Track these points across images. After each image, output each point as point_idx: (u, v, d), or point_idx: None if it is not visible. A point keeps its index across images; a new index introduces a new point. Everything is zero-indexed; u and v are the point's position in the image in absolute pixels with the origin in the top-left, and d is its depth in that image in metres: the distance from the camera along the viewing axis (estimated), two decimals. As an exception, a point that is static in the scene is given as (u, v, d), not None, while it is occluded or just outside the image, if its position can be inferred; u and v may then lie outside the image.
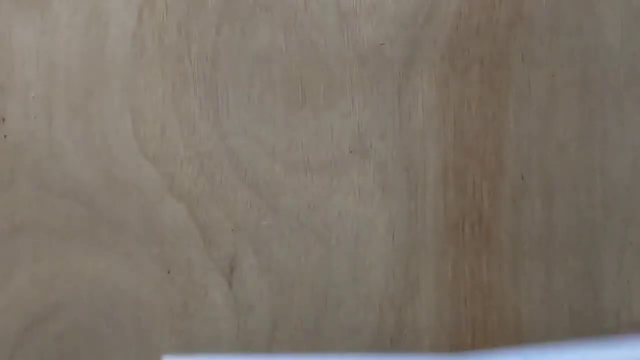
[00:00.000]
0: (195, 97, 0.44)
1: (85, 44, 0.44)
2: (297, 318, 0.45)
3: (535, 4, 0.43)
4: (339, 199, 0.44)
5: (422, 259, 0.44)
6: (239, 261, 0.44)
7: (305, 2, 0.44)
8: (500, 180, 0.43)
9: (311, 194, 0.44)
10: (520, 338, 0.44)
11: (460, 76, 0.43)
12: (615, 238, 0.43)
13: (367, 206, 0.44)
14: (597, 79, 0.43)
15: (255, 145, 0.44)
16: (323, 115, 0.44)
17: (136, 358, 0.43)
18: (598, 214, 0.43)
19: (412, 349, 0.44)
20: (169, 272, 0.43)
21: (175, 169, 0.44)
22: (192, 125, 0.43)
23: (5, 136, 0.45)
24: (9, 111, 0.44)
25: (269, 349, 0.45)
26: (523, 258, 0.44)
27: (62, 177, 0.45)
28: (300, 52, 0.43)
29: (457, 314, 0.44)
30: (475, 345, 0.44)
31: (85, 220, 0.44)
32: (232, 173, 0.44)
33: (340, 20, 0.43)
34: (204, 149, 0.44)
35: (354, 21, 0.43)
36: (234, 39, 0.43)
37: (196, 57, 0.43)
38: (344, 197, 0.44)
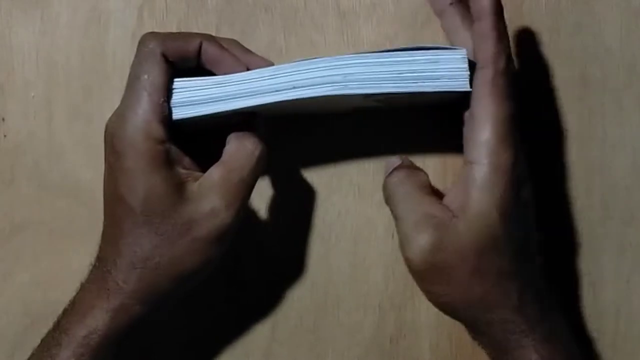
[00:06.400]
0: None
1: (85, 44, 0.44)
2: (297, 318, 0.45)
3: (535, 4, 0.43)
4: (339, 199, 0.44)
5: (422, 258, 0.44)
6: (240, 261, 0.44)
7: (305, 2, 0.44)
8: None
9: (311, 194, 0.44)
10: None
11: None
12: (615, 238, 0.43)
13: (367, 206, 0.44)
14: (597, 79, 0.43)
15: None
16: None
17: (135, 355, 0.43)
18: (598, 214, 0.43)
19: (412, 349, 0.44)
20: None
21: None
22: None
23: (5, 136, 0.45)
24: (9, 111, 0.44)
25: (268, 349, 0.45)
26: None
27: (62, 177, 0.45)
28: (300, 52, 0.43)
29: (457, 313, 0.44)
30: (475, 345, 0.44)
31: (85, 220, 0.44)
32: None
33: (340, 20, 0.43)
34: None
35: (354, 21, 0.43)
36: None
37: (196, 57, 0.43)
38: (344, 197, 0.44)
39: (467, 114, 0.37)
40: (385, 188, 0.39)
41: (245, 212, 0.39)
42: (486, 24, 0.36)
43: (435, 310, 0.44)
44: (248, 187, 0.38)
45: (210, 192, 0.37)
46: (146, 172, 0.36)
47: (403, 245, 0.37)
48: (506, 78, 0.36)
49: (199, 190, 0.37)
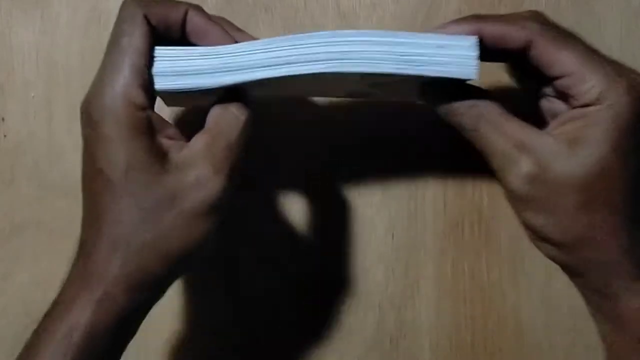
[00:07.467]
0: (195, 97, 0.44)
1: (85, 44, 0.44)
2: (297, 318, 0.45)
3: (535, 4, 0.43)
4: (340, 199, 0.44)
5: (422, 259, 0.44)
6: (238, 261, 0.44)
7: (305, 2, 0.44)
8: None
9: (311, 195, 0.44)
10: (520, 338, 0.44)
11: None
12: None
13: (367, 206, 0.44)
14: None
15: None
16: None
17: (135, 355, 0.43)
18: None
19: (412, 349, 0.44)
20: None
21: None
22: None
23: (5, 136, 0.45)
24: (9, 111, 0.44)
25: (268, 349, 0.45)
26: (523, 258, 0.44)
27: (62, 177, 0.45)
28: (300, 52, 0.43)
29: (457, 313, 0.44)
30: (475, 345, 0.44)
31: (85, 220, 0.44)
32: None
33: (340, 20, 0.43)
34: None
35: (354, 21, 0.43)
36: (234, 39, 0.43)
37: (196, 57, 0.43)
38: (344, 197, 0.44)
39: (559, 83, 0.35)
40: (466, 120, 0.35)
41: (235, 184, 0.35)
42: (491, 28, 0.35)
43: (435, 310, 0.44)
44: (236, 154, 0.35)
45: (194, 160, 0.34)
46: (125, 141, 0.33)
47: (502, 173, 0.34)
48: (552, 28, 0.35)
49: (182, 160, 0.34)
